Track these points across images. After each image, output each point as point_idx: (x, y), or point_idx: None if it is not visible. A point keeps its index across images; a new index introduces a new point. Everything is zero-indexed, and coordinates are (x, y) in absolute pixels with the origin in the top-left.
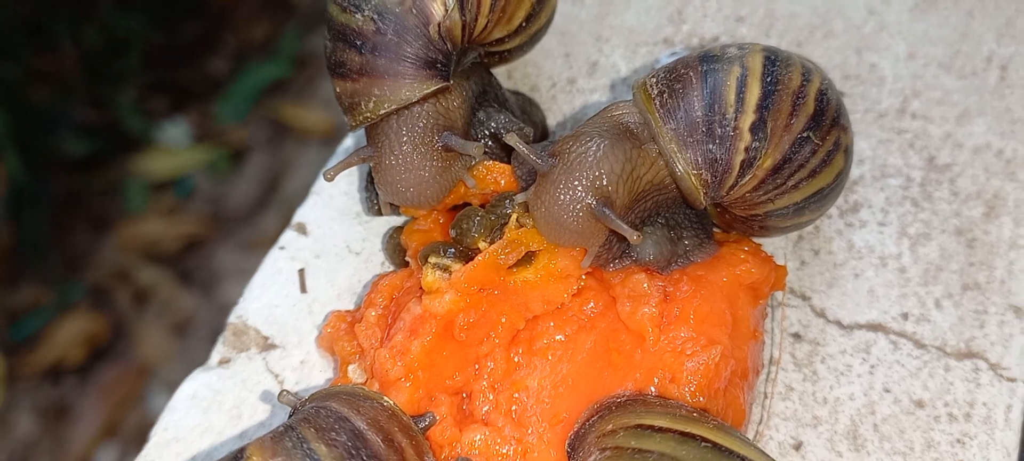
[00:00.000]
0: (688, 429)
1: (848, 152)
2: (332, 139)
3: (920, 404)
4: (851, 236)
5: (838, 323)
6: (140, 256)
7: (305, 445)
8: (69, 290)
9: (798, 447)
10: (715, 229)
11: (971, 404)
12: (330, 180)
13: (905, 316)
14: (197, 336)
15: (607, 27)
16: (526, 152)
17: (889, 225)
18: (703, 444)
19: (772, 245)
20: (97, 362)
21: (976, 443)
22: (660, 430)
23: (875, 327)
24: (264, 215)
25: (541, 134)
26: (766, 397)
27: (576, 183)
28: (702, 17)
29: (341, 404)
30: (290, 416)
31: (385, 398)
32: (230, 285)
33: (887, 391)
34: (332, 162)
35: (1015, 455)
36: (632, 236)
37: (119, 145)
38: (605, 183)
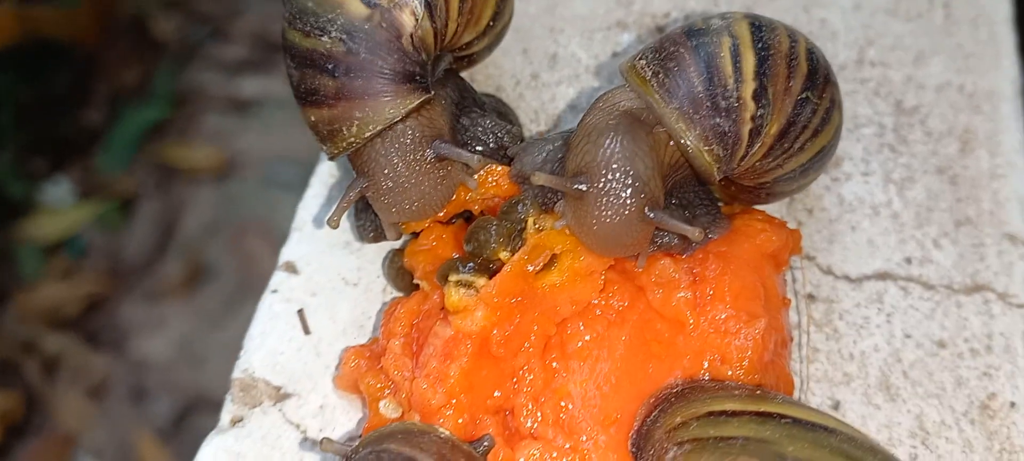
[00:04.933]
0: (762, 408)
1: (841, 107)
2: (223, 175)
3: (942, 344)
4: (839, 190)
5: (846, 277)
6: (43, 324)
7: None
8: None
9: (837, 407)
10: (719, 202)
11: (989, 336)
12: (335, 226)
13: (908, 260)
14: (115, 396)
15: (559, 18)
16: (557, 184)
17: (872, 174)
18: (784, 421)
19: (770, 211)
20: (16, 440)
21: (1002, 373)
22: (735, 414)
23: (883, 276)
24: (164, 261)
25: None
26: (799, 362)
27: (616, 197)
28: None
29: (401, 444)
30: None
31: (440, 429)
32: (140, 339)
33: (908, 337)
34: (309, 199)
35: None
36: (694, 234)
37: (4, 212)
38: (644, 184)
